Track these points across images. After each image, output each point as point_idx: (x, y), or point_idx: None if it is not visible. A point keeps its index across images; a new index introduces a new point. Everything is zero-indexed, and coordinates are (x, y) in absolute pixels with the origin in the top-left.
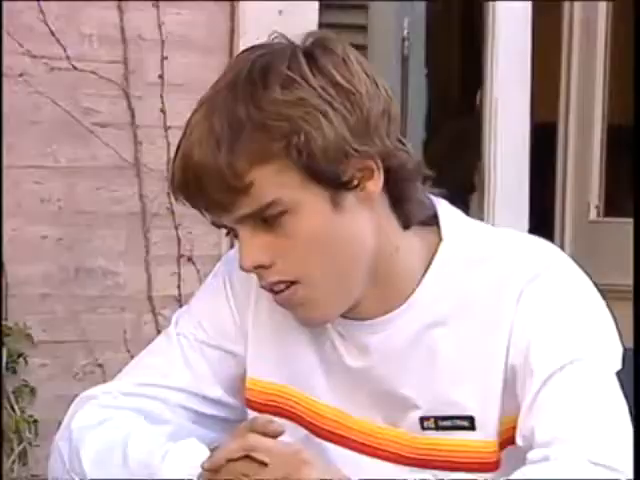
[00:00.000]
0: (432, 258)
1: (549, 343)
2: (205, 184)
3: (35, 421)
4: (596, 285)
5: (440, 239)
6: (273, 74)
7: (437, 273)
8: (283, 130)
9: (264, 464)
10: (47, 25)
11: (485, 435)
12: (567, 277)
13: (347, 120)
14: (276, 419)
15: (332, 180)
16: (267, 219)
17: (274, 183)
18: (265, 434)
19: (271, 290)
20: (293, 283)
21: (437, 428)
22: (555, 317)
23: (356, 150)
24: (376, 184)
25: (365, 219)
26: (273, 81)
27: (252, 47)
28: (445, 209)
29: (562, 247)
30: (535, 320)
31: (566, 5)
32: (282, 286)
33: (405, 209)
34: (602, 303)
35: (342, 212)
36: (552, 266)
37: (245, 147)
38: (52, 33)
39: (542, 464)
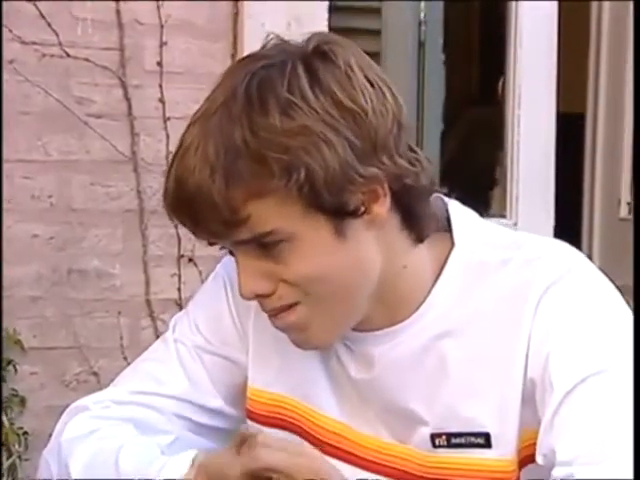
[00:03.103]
0: (443, 266)
1: (569, 355)
2: (198, 213)
3: (25, 433)
4: (626, 287)
5: (452, 245)
6: (271, 95)
7: (448, 282)
8: (282, 164)
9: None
10: (37, 8)
11: (502, 453)
12: (588, 282)
13: (352, 144)
14: (279, 432)
15: (336, 210)
16: (266, 245)
17: (273, 214)
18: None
19: (269, 312)
20: (293, 305)
21: (449, 445)
22: (575, 326)
23: (362, 176)
24: (382, 206)
25: (370, 242)
26: (271, 104)
27: (250, 56)
28: (457, 212)
29: (590, 246)
30: (554, 329)
31: None
32: (283, 307)
33: (417, 225)
34: (626, 309)
35: (346, 240)
36: (572, 271)
37: (242, 181)
38: (43, 17)
39: None
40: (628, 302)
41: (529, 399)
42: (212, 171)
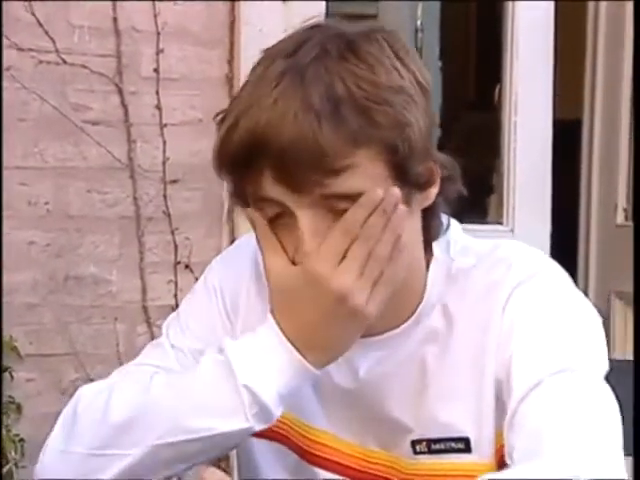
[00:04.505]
0: (426, 275)
1: (530, 356)
2: (293, 161)
3: (21, 440)
4: (624, 293)
5: (431, 254)
6: (367, 55)
7: (432, 291)
8: (388, 117)
9: None
10: (34, 16)
11: (481, 457)
12: (554, 285)
13: (426, 117)
14: (266, 442)
15: (412, 179)
16: (338, 212)
17: (365, 171)
18: None
19: None
20: None
21: (430, 452)
22: (537, 327)
23: (430, 151)
24: (435, 188)
25: (419, 224)
26: (371, 62)
27: (315, 25)
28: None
29: (587, 252)
30: (517, 331)
31: None
32: None
33: (431, 224)
34: (591, 313)
35: (411, 213)
36: (539, 273)
37: (349, 126)
38: (40, 24)
39: None
40: (626, 308)
41: (500, 400)
42: (317, 116)
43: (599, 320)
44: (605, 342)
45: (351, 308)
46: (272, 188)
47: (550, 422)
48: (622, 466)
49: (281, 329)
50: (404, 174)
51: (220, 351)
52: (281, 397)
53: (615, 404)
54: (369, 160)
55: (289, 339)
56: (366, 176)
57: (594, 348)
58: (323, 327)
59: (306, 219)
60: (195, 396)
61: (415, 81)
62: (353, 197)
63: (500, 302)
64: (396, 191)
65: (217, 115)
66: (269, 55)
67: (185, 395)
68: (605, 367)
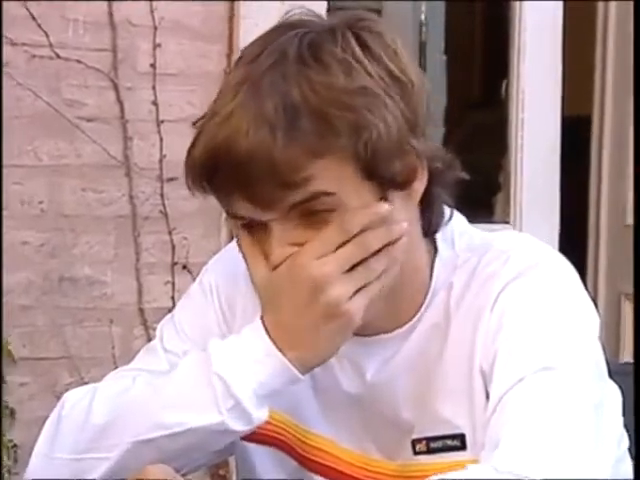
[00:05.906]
0: (432, 270)
1: (513, 352)
2: (251, 177)
3: (15, 446)
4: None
5: (435, 249)
6: (327, 56)
7: (437, 287)
8: (348, 122)
9: None
10: (27, 9)
11: (476, 454)
12: (549, 281)
13: (403, 113)
14: (264, 448)
15: (385, 179)
16: (310, 214)
17: (330, 177)
18: None
19: None
20: None
21: (429, 451)
22: (525, 323)
23: (412, 147)
24: (421, 183)
25: (417, 218)
26: (330, 63)
27: (282, 25)
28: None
29: (596, 252)
30: (504, 326)
31: None
32: None
33: (430, 216)
34: (587, 310)
35: (400, 211)
36: (535, 267)
37: (305, 137)
38: (33, 18)
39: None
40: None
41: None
42: (271, 129)
43: (595, 318)
44: (598, 341)
45: (329, 301)
46: (241, 206)
47: (514, 422)
48: (597, 467)
49: (265, 328)
50: (375, 174)
51: (204, 350)
52: (259, 396)
53: (607, 404)
54: (331, 167)
55: (270, 336)
56: (331, 180)
57: (582, 347)
58: (301, 323)
59: (277, 232)
60: (171, 391)
61: (388, 75)
62: (323, 200)
63: (493, 295)
64: (404, 225)
65: (194, 124)
66: (239, 59)
67: (162, 391)
68: (592, 367)
